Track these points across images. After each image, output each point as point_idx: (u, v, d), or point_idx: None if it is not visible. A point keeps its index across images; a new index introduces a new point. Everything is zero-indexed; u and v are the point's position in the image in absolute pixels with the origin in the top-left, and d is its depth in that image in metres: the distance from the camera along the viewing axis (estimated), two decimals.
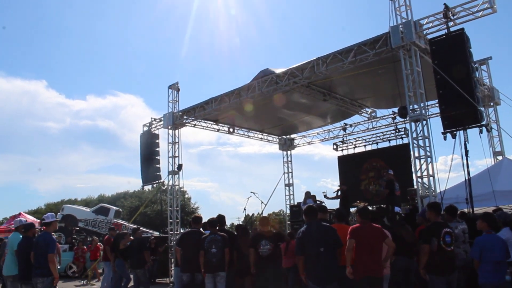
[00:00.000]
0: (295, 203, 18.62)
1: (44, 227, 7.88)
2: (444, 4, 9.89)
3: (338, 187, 15.25)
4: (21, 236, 8.15)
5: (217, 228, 8.78)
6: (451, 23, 9.97)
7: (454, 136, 9.56)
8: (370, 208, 8.32)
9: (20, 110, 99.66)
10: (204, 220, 9.61)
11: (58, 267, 10.76)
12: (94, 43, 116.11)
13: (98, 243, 17.35)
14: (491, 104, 14.97)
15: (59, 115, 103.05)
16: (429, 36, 10.49)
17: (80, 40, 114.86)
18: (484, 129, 9.81)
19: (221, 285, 8.23)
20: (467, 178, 9.72)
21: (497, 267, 5.93)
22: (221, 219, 9.53)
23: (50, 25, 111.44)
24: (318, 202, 14.58)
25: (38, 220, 19.38)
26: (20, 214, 23.65)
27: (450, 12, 9.93)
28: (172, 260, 14.66)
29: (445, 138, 9.68)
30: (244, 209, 17.41)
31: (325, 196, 15.03)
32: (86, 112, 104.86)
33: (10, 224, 21.27)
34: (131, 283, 11.75)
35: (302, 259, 6.37)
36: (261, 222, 8.99)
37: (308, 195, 14.99)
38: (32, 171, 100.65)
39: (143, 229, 21.07)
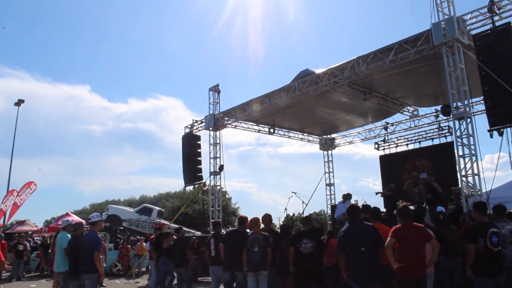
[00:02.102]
0: (336, 203, 18.53)
1: (90, 226, 8.12)
2: None
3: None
4: (68, 235, 8.43)
5: (261, 227, 8.85)
6: (496, 18, 9.74)
7: (501, 134, 9.34)
8: (411, 207, 8.19)
9: (66, 114, 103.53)
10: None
11: (104, 265, 11.09)
12: (135, 47, 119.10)
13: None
14: None
15: (102, 119, 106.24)
16: (473, 32, 10.28)
17: (121, 45, 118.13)
18: None
19: (263, 283, 8.28)
20: None
21: None
22: (241, 219, 9.53)
23: (91, 31, 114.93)
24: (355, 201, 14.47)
25: (84, 221, 20.01)
26: (67, 214, 24.48)
27: (495, 6, 9.69)
28: None
29: (491, 136, 9.47)
30: (285, 209, 17.49)
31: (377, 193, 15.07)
32: (128, 115, 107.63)
33: (58, 223, 21.99)
34: (175, 281, 11.96)
35: (343, 258, 6.38)
36: (303, 222, 9.05)
37: (347, 197, 14.79)
38: (77, 173, 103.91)
39: (185, 229, 21.42)
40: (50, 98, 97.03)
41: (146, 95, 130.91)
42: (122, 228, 23.45)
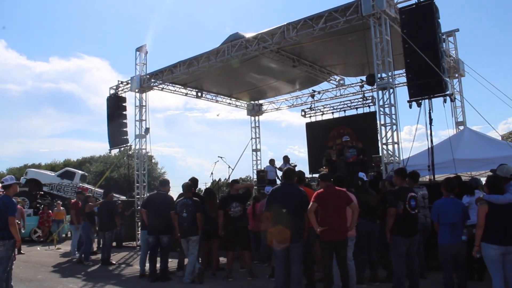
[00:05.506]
0: (262, 169, 18.83)
1: (4, 190, 7.66)
2: None
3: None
4: None
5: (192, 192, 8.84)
6: None
7: (419, 105, 9.81)
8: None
9: None
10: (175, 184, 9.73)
11: (22, 231, 10.55)
12: (58, 2, 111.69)
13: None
14: (456, 75, 15.31)
15: (20, 77, 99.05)
16: (399, 5, 10.58)
17: None
18: (448, 98, 10.07)
19: (193, 248, 8.37)
20: (429, 146, 10.02)
21: (452, 228, 6.26)
22: (195, 181, 9.77)
23: None
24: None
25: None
26: None
27: None
28: (139, 223, 14.67)
29: (410, 107, 9.93)
30: (211, 173, 17.52)
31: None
32: (49, 75, 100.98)
33: None
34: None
35: (268, 216, 6.57)
36: (231, 185, 9.16)
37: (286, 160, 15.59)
38: None
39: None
40: None
41: (69, 54, 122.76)
42: (42, 193, 22.50)
